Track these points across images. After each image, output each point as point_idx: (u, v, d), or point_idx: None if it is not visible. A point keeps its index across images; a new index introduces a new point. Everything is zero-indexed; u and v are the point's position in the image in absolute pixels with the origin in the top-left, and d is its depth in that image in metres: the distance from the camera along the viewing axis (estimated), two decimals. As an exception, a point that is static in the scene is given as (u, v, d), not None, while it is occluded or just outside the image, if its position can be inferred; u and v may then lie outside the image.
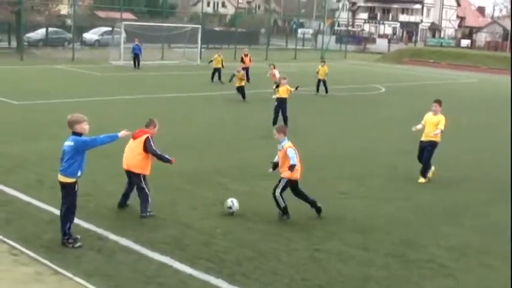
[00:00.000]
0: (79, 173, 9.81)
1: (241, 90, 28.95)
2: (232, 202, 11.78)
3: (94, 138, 9.72)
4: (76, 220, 10.32)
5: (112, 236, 10.21)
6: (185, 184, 13.66)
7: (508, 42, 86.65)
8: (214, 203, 12.40)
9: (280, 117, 21.29)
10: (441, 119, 14.91)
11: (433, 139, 14.95)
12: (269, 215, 11.83)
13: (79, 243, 9.78)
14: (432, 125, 14.90)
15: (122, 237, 10.20)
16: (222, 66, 36.44)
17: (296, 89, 21.90)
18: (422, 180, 15.05)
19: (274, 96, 22.11)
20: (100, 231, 10.21)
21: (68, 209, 9.81)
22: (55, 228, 10.42)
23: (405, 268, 9.73)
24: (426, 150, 15.02)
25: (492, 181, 15.65)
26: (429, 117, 15.13)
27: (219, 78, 36.13)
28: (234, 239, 10.50)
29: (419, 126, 15.30)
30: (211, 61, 36.98)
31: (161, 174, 13.81)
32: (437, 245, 10.79)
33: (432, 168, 15.19)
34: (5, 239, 9.78)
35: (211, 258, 9.59)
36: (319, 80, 33.03)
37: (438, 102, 15.10)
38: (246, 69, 36.55)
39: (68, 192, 9.78)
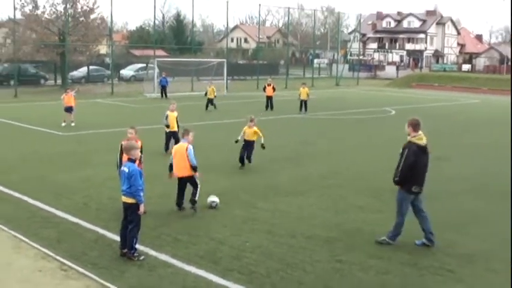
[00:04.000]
0: (142, 193, 9.93)
1: None
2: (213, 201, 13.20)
3: (138, 180, 9.76)
4: (117, 237, 10.40)
5: (152, 252, 10.27)
6: (217, 203, 13.66)
7: (505, 65, 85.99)
8: (244, 220, 12.41)
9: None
10: None
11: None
12: (294, 229, 11.83)
13: (142, 256, 9.94)
14: None
15: (161, 253, 10.26)
16: (214, 96, 36.42)
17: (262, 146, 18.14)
18: None
19: (239, 138, 18.17)
20: (141, 247, 10.26)
21: (135, 227, 9.94)
22: (100, 246, 10.55)
23: (419, 275, 9.66)
24: None
25: (494, 193, 15.49)
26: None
27: (214, 106, 36.03)
28: (262, 252, 10.49)
29: None
30: (206, 93, 36.59)
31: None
32: (446, 253, 10.70)
33: None
34: (57, 256, 9.90)
35: (241, 270, 9.60)
36: (301, 101, 35.12)
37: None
38: (270, 98, 36.55)
39: (135, 212, 9.89)
